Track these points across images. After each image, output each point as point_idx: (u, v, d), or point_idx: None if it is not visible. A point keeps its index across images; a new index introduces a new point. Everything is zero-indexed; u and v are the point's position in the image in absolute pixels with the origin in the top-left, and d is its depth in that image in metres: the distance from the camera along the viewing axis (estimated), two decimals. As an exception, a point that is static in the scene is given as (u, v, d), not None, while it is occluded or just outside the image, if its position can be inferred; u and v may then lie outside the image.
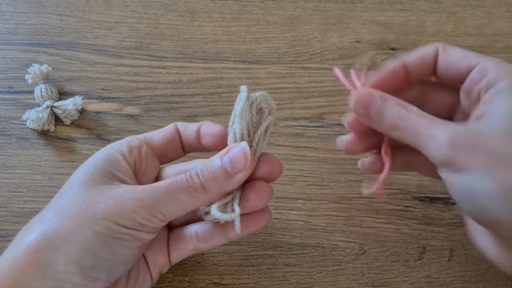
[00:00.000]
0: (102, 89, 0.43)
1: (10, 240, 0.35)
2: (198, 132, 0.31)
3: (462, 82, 0.29)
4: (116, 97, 0.43)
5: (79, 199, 0.27)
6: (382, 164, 0.31)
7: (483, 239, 0.29)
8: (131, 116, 0.42)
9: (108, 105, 0.42)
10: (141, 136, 0.31)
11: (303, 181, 0.39)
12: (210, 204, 0.28)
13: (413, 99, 0.31)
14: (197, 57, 0.46)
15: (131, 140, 0.30)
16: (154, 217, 0.27)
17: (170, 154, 0.32)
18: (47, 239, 0.25)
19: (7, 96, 0.42)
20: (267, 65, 0.46)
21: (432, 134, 0.26)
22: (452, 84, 0.31)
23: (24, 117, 0.40)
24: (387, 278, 0.35)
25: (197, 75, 0.45)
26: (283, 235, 0.36)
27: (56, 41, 0.46)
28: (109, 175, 0.28)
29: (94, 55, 0.45)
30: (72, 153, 0.39)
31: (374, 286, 0.35)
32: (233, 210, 0.28)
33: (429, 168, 0.29)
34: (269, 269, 0.35)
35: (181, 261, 0.35)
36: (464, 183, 0.26)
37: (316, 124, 0.42)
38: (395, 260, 0.36)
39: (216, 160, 0.28)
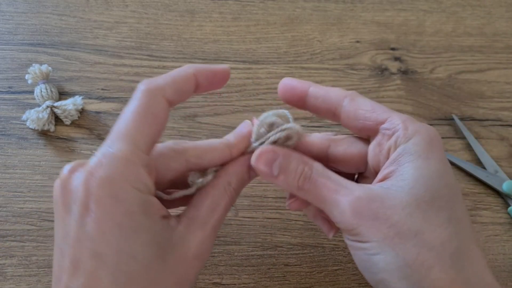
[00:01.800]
0: (102, 89, 0.43)
1: (10, 240, 0.35)
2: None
3: (367, 133, 0.28)
4: (116, 97, 0.43)
5: (163, 273, 0.24)
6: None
7: None
8: (131, 116, 0.42)
9: (108, 105, 0.42)
10: (189, 156, 0.28)
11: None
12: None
13: (321, 150, 0.30)
14: (197, 57, 0.46)
15: (175, 167, 0.27)
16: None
17: None
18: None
19: (7, 96, 0.42)
20: (267, 65, 0.46)
21: (336, 200, 0.26)
22: (357, 135, 0.30)
23: (24, 117, 0.40)
24: (387, 278, 0.35)
25: (197, 75, 0.45)
26: (283, 235, 0.36)
27: (56, 41, 0.46)
28: (160, 223, 0.25)
29: (94, 55, 0.45)
30: (72, 153, 0.39)
31: (374, 286, 0.35)
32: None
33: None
34: (269, 269, 0.35)
35: (181, 261, 0.35)
36: (365, 253, 0.25)
37: (316, 124, 0.42)
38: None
39: (246, 175, 0.29)
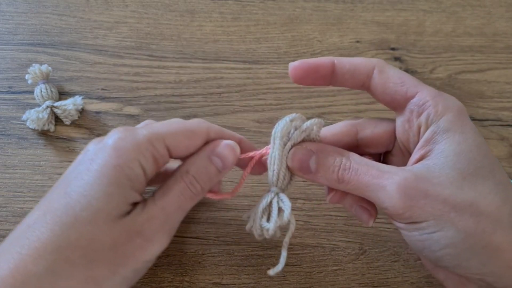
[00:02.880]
0: (102, 89, 0.43)
1: (10, 240, 0.35)
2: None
3: (395, 107, 0.28)
4: (116, 97, 0.43)
5: (109, 239, 0.25)
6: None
7: (441, 275, 0.29)
8: (131, 116, 0.42)
9: (108, 105, 0.42)
10: (167, 139, 0.27)
11: (303, 181, 0.39)
12: None
13: (351, 138, 0.30)
14: (197, 57, 0.46)
15: (157, 149, 0.27)
16: (171, 235, 0.27)
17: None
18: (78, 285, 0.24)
19: (7, 96, 0.42)
20: (267, 65, 0.46)
21: (382, 185, 0.25)
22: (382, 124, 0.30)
23: (24, 117, 0.40)
24: (387, 278, 0.35)
25: (197, 75, 0.45)
26: (283, 235, 0.36)
27: (56, 41, 0.46)
28: (129, 200, 0.26)
29: (94, 55, 0.45)
30: (72, 153, 0.39)
31: (374, 286, 0.35)
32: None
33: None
34: (269, 269, 0.35)
35: (181, 261, 0.35)
36: (423, 233, 0.25)
37: (316, 124, 0.42)
38: (395, 260, 0.36)
39: (206, 162, 0.28)
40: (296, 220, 0.37)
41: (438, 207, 0.24)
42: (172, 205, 0.27)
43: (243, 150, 0.30)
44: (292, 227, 0.29)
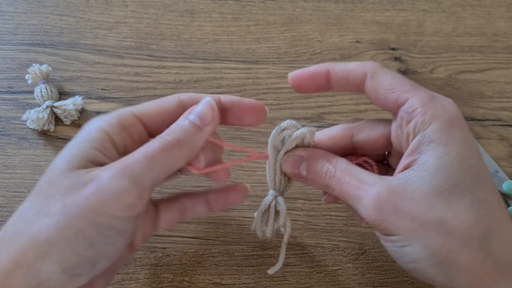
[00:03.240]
0: (102, 89, 0.43)
1: (10, 240, 0.35)
2: (219, 105, 0.29)
3: (390, 111, 0.28)
4: (116, 97, 0.43)
5: (58, 193, 0.25)
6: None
7: None
8: (131, 116, 0.42)
9: (108, 105, 0.42)
10: (135, 110, 0.28)
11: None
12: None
13: (346, 141, 0.30)
14: (197, 57, 0.46)
15: (123, 116, 0.27)
16: (143, 190, 0.25)
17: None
18: (31, 244, 0.24)
19: (7, 96, 0.42)
20: (267, 65, 0.46)
21: (359, 196, 0.26)
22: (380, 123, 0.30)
23: (24, 117, 0.40)
24: (387, 278, 0.35)
25: (197, 75, 0.45)
26: (283, 235, 0.36)
27: (56, 41, 0.46)
28: (90, 160, 0.26)
29: (94, 55, 0.45)
30: (72, 153, 0.39)
31: (374, 286, 0.35)
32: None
33: None
34: (269, 269, 0.35)
35: (181, 261, 0.35)
36: (395, 245, 0.26)
37: (316, 124, 0.42)
38: (395, 260, 0.36)
39: (183, 120, 0.27)
40: (296, 220, 0.37)
41: (407, 224, 0.24)
42: (136, 154, 0.25)
43: (229, 105, 0.29)
44: (288, 230, 0.31)
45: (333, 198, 0.31)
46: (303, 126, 0.30)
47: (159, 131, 0.27)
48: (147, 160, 0.25)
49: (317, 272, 0.35)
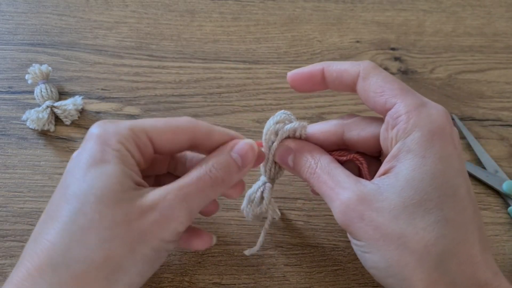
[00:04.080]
0: (102, 89, 0.43)
1: (10, 240, 0.35)
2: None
3: (380, 113, 0.28)
4: (116, 97, 0.43)
5: (119, 218, 0.24)
6: None
7: None
8: (131, 116, 0.42)
9: (108, 105, 0.42)
10: (148, 129, 0.27)
11: (303, 181, 0.39)
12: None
13: (337, 137, 0.30)
14: (197, 57, 0.46)
15: (139, 136, 0.27)
16: (191, 220, 0.27)
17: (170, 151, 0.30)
18: (98, 269, 0.24)
19: (7, 96, 0.42)
20: (267, 65, 0.46)
21: (332, 197, 0.27)
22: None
23: (24, 117, 0.40)
24: (387, 278, 0.35)
25: (197, 75, 0.45)
26: (283, 235, 0.36)
27: (56, 41, 0.46)
28: (130, 180, 0.26)
29: (94, 55, 0.45)
30: (72, 153, 0.39)
31: (374, 286, 0.35)
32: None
33: None
34: (269, 269, 0.35)
35: (181, 261, 0.35)
36: (358, 249, 0.27)
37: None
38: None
39: (226, 156, 0.28)
40: (296, 220, 0.37)
41: (370, 232, 0.25)
42: (190, 186, 0.26)
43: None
44: (269, 217, 0.33)
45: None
46: (297, 119, 0.31)
47: (164, 150, 0.28)
48: (200, 193, 0.27)
49: (317, 272, 0.35)
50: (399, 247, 0.24)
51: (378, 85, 0.27)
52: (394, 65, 0.47)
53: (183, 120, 0.28)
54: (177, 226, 0.26)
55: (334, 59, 0.47)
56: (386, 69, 0.46)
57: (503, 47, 0.49)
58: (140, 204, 0.25)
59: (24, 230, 0.35)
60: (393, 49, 0.48)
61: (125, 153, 0.26)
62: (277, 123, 0.31)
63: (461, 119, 0.44)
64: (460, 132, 0.43)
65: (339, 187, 0.27)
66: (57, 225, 0.24)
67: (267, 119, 0.42)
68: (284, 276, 0.35)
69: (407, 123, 0.26)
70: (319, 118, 0.43)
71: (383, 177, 0.26)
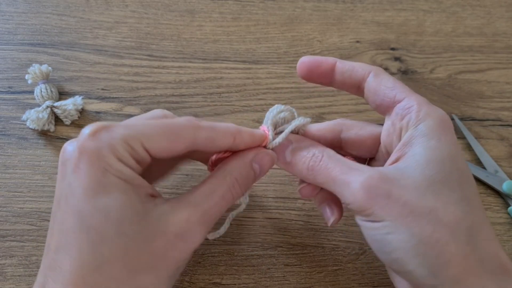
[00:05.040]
0: (102, 89, 0.43)
1: (10, 240, 0.35)
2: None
3: (384, 110, 0.29)
4: (116, 97, 0.43)
5: (139, 248, 0.24)
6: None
7: (402, 285, 0.28)
8: (131, 116, 0.42)
9: (108, 105, 0.42)
10: (145, 141, 0.25)
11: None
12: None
13: (334, 136, 0.31)
14: (197, 57, 0.46)
15: (134, 148, 0.25)
16: (209, 228, 0.27)
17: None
18: None
19: (7, 96, 0.42)
20: (267, 65, 0.46)
21: (347, 180, 0.26)
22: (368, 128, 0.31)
23: (24, 117, 0.40)
24: (387, 278, 0.35)
25: (197, 75, 0.45)
26: (283, 235, 0.36)
27: (56, 41, 0.46)
28: (142, 200, 0.25)
29: (94, 55, 0.45)
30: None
31: (374, 286, 0.35)
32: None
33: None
34: (269, 269, 0.35)
35: (181, 261, 0.35)
36: (378, 233, 0.25)
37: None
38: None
39: (248, 167, 0.28)
40: (296, 220, 0.37)
41: (397, 209, 0.24)
42: (212, 208, 0.26)
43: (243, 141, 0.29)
44: (240, 208, 0.32)
45: (310, 189, 0.30)
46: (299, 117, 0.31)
47: (161, 157, 0.26)
48: (221, 211, 0.27)
49: (317, 272, 0.35)
50: (431, 221, 0.24)
51: (390, 81, 0.28)
52: (394, 65, 0.47)
53: (183, 125, 0.26)
54: (196, 246, 0.26)
55: (334, 59, 0.47)
56: (386, 69, 0.47)
57: (503, 47, 0.49)
58: (161, 229, 0.25)
59: (24, 230, 0.35)
60: (393, 49, 0.48)
61: (128, 172, 0.25)
62: (281, 111, 0.31)
63: (461, 119, 0.44)
64: (460, 132, 0.43)
65: (354, 170, 0.26)
66: (81, 256, 0.23)
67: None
68: (284, 276, 0.35)
69: (419, 112, 0.27)
70: (319, 118, 0.43)
71: (396, 163, 0.26)
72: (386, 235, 0.25)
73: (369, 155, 0.31)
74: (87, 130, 0.25)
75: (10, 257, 0.34)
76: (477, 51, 0.49)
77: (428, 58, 0.48)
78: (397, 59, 0.48)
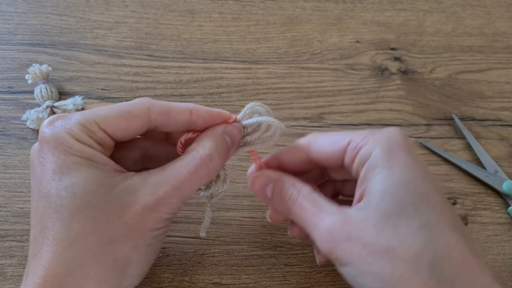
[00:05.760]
0: (102, 89, 0.43)
1: (10, 240, 0.35)
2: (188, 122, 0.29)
3: (339, 158, 0.29)
4: (116, 97, 0.43)
5: (111, 221, 0.25)
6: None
7: None
8: (131, 116, 0.42)
9: (108, 105, 0.42)
10: (100, 121, 0.27)
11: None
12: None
13: (316, 176, 0.32)
14: (197, 57, 0.46)
15: (92, 130, 0.26)
16: (184, 201, 0.27)
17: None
18: (114, 267, 0.25)
19: (7, 96, 0.42)
20: (267, 65, 0.46)
21: (315, 223, 0.26)
22: (340, 174, 0.31)
23: (24, 117, 0.40)
24: (387, 278, 0.35)
25: (197, 75, 0.45)
26: (283, 235, 0.36)
27: (56, 41, 0.46)
28: (109, 175, 0.26)
29: (94, 55, 0.45)
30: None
31: (374, 286, 0.35)
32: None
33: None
34: (269, 269, 0.35)
35: (181, 261, 0.35)
36: (349, 276, 0.25)
37: (316, 124, 0.42)
38: None
39: (222, 141, 0.29)
40: (296, 220, 0.37)
41: (358, 251, 0.24)
42: (186, 179, 0.27)
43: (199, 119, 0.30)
44: (219, 190, 0.31)
45: (298, 230, 0.31)
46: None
47: (121, 137, 0.28)
48: (196, 183, 0.27)
49: (317, 272, 0.35)
50: (390, 259, 0.23)
51: (329, 137, 0.29)
52: (394, 65, 0.47)
53: (135, 104, 0.28)
54: (170, 216, 0.27)
55: (334, 59, 0.47)
56: (386, 69, 0.47)
57: (503, 47, 0.49)
58: (129, 201, 0.25)
59: (24, 230, 0.35)
60: (393, 49, 0.48)
61: (89, 151, 0.26)
62: (255, 112, 0.31)
63: (461, 119, 0.44)
64: (460, 132, 0.43)
65: (323, 212, 0.27)
66: (54, 235, 0.24)
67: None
68: (284, 276, 0.35)
69: (367, 145, 0.26)
70: (319, 118, 0.43)
71: (359, 203, 0.26)
72: (356, 277, 0.25)
73: (336, 166, 0.30)
74: (45, 122, 0.27)
75: (10, 257, 0.34)
76: (477, 51, 0.49)
77: (428, 58, 0.48)
78: (397, 59, 0.48)
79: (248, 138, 0.31)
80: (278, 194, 0.29)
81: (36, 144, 0.27)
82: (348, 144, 0.28)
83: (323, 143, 0.29)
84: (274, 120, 0.30)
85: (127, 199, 0.25)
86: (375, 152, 0.26)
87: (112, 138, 0.27)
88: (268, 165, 0.32)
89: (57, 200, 0.25)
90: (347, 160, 0.28)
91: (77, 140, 0.26)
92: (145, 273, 0.28)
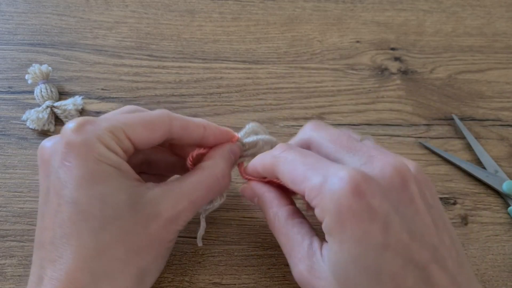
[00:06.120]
0: (102, 89, 0.43)
1: (10, 240, 0.35)
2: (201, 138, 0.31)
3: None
4: (116, 97, 0.43)
5: (137, 231, 0.26)
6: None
7: None
8: (131, 116, 0.42)
9: (108, 105, 0.42)
10: (126, 129, 0.27)
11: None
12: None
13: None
14: (197, 57, 0.46)
15: (119, 137, 0.27)
16: (195, 213, 0.29)
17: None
18: (131, 278, 0.26)
19: (7, 96, 0.42)
20: (267, 65, 0.46)
21: (289, 261, 0.28)
22: None
23: (24, 117, 0.40)
24: (387, 278, 0.35)
25: (197, 75, 0.45)
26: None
27: (56, 41, 0.46)
28: (133, 186, 0.26)
29: (94, 55, 0.45)
30: (72, 153, 0.39)
31: (374, 286, 0.35)
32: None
33: None
34: (269, 269, 0.35)
35: (181, 261, 0.35)
36: None
37: (316, 124, 0.42)
38: None
39: (228, 157, 0.31)
40: (296, 220, 0.37)
41: None
42: (200, 198, 0.29)
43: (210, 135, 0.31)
44: (214, 205, 0.32)
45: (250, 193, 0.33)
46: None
47: (141, 146, 0.28)
48: (206, 199, 0.29)
49: (317, 272, 0.35)
50: None
51: (290, 172, 0.27)
52: (394, 65, 0.47)
53: (158, 115, 0.29)
54: (182, 228, 0.29)
55: (334, 59, 0.47)
56: (386, 69, 0.47)
57: (503, 47, 0.49)
58: (155, 212, 0.26)
59: (24, 230, 0.35)
60: (393, 49, 0.48)
61: (118, 160, 0.26)
62: (256, 133, 0.34)
63: (461, 119, 0.44)
64: (460, 132, 0.43)
65: (294, 251, 0.28)
66: (81, 243, 0.24)
67: (267, 119, 0.43)
68: (284, 276, 0.35)
69: (318, 207, 0.25)
70: (319, 118, 0.43)
71: (325, 251, 0.26)
72: None
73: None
74: (70, 125, 0.26)
75: (10, 257, 0.34)
76: (477, 51, 0.49)
77: (428, 58, 0.48)
78: (397, 59, 0.48)
79: (244, 153, 0.33)
80: (261, 208, 0.31)
81: (53, 144, 0.27)
82: (303, 192, 0.26)
83: (284, 175, 0.28)
84: (272, 138, 0.33)
85: (152, 211, 0.26)
86: (325, 220, 0.24)
87: (134, 146, 0.28)
88: (249, 175, 0.32)
89: (87, 208, 0.24)
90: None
91: (108, 148, 0.26)
92: (155, 281, 0.29)
